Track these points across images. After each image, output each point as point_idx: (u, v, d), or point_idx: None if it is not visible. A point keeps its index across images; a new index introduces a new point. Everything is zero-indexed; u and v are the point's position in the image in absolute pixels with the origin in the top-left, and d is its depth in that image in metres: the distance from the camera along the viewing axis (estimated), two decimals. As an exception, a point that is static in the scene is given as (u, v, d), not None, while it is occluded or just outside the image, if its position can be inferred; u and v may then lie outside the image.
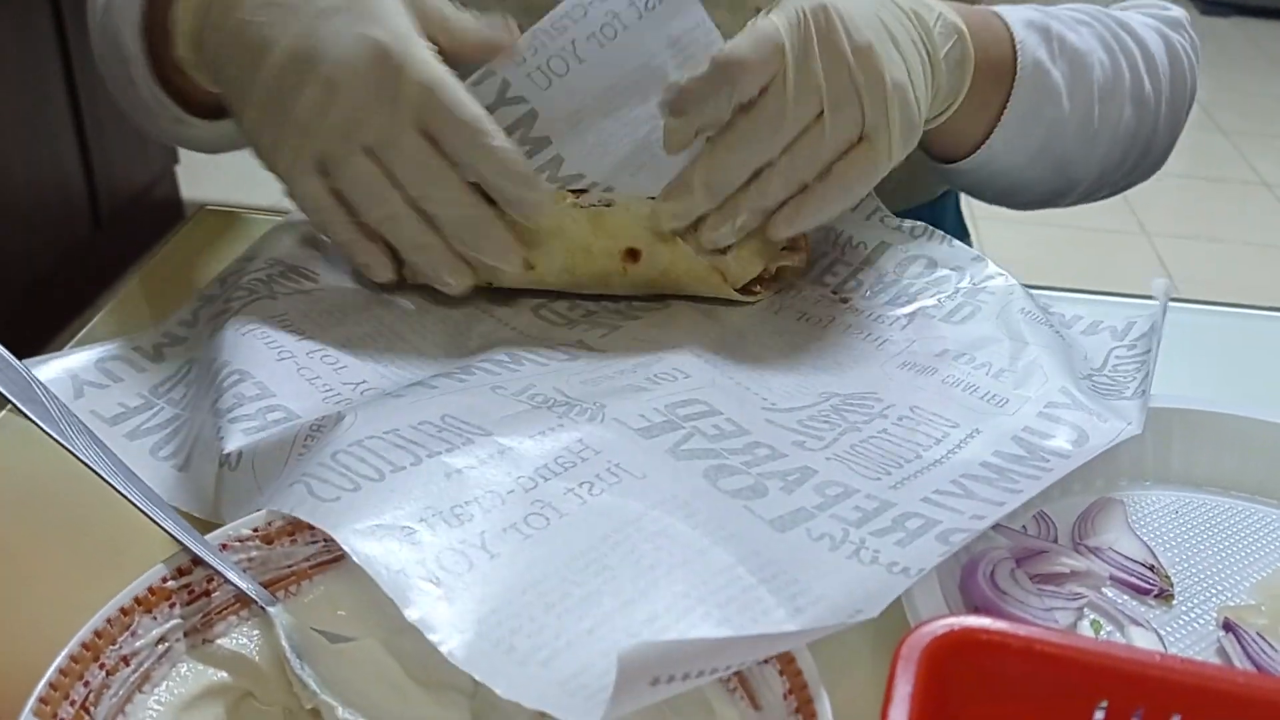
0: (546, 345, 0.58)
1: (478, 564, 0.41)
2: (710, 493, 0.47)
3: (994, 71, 0.64)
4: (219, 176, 2.18)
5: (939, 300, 0.62)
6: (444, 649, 0.37)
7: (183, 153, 2.29)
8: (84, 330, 0.65)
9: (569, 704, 0.36)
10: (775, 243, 0.60)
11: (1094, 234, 2.52)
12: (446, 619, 0.38)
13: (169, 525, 0.40)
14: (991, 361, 0.57)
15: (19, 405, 0.40)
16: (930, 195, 0.87)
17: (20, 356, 0.60)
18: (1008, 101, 0.65)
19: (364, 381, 0.55)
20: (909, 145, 0.58)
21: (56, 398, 0.41)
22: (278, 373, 0.54)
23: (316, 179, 0.55)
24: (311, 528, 0.43)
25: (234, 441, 0.49)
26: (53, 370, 0.58)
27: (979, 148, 0.66)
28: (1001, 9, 0.66)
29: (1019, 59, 0.64)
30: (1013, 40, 0.64)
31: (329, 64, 0.53)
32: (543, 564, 0.41)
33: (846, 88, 0.54)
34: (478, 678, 0.37)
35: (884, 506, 0.47)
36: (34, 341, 0.62)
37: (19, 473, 0.54)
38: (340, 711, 0.37)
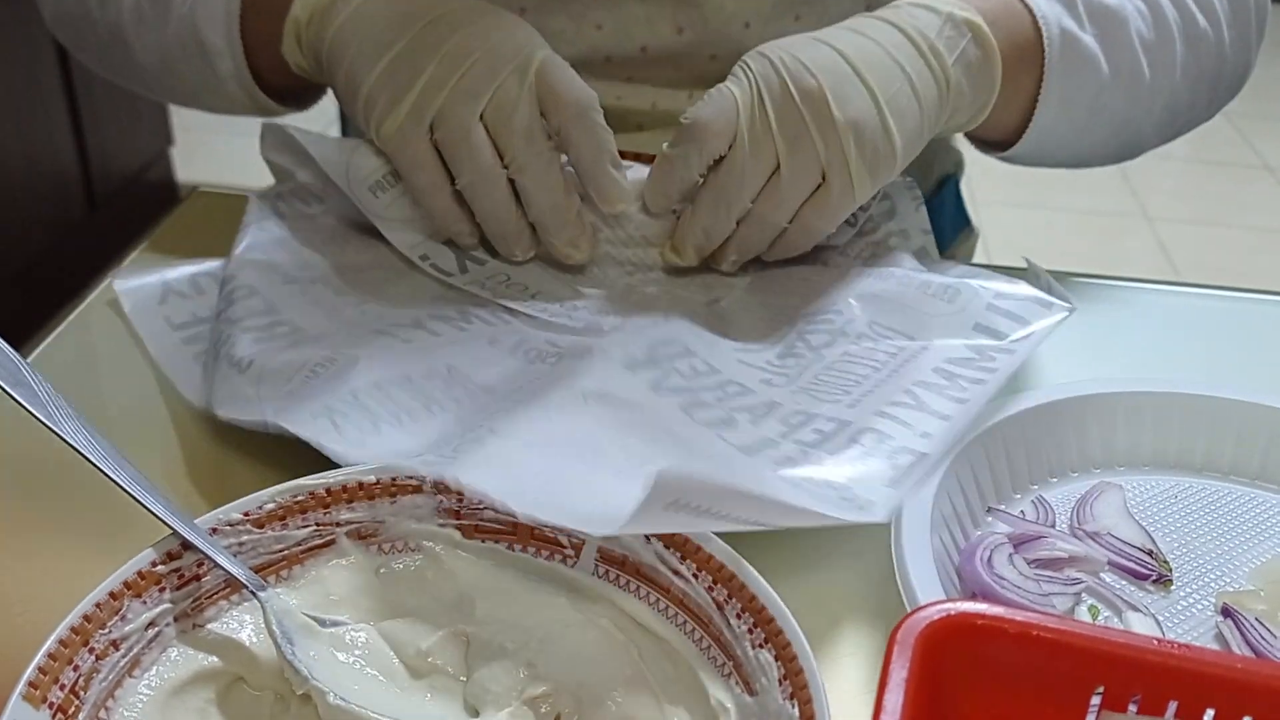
0: (542, 299, 0.61)
1: (487, 441, 0.46)
2: (688, 422, 0.51)
3: (1020, 54, 0.63)
4: (213, 158, 2.17)
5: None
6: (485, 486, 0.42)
7: (177, 135, 2.28)
8: (79, 309, 0.64)
9: (587, 519, 0.40)
10: None
11: (1095, 217, 2.51)
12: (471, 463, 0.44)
13: (158, 509, 0.40)
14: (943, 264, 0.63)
15: (7, 389, 0.40)
16: (925, 189, 0.86)
17: (15, 339, 0.60)
18: (1041, 81, 0.63)
19: (365, 301, 0.59)
20: (879, 175, 0.58)
21: (45, 382, 0.41)
22: (284, 293, 0.59)
23: (427, 138, 0.58)
24: (303, 511, 0.43)
25: (243, 349, 0.54)
26: (149, 277, 0.63)
27: (1024, 132, 0.65)
28: None
29: (1045, 33, 0.63)
30: (1033, 15, 0.63)
31: (466, 30, 0.58)
32: (552, 423, 0.48)
33: (799, 134, 0.57)
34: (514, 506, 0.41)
35: (841, 426, 0.51)
36: (28, 323, 0.62)
37: (9, 456, 0.53)
38: (331, 698, 0.37)
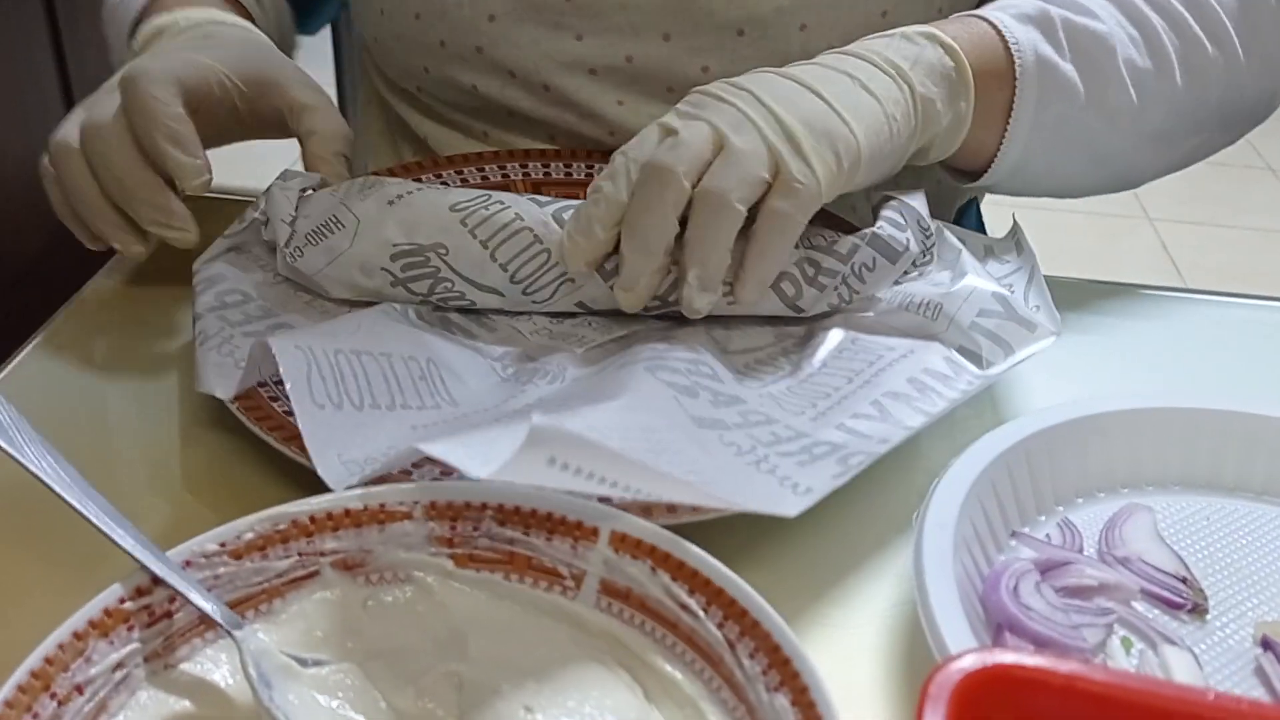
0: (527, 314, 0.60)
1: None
2: (647, 378, 0.51)
3: (994, 72, 0.61)
4: (210, 160, 2.15)
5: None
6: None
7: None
8: (53, 321, 0.62)
9: (469, 463, 0.40)
10: None
11: (1096, 219, 2.48)
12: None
13: (126, 542, 0.37)
14: (929, 274, 0.60)
15: (-39, 413, 0.37)
16: (947, 216, 0.83)
17: (13, 342, 0.58)
18: (1011, 108, 0.61)
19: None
20: (840, 153, 0.54)
21: (8, 405, 0.38)
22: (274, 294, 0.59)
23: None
24: (284, 541, 0.40)
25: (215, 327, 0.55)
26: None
27: (993, 160, 0.63)
28: (995, 6, 0.63)
29: (1017, 60, 0.61)
30: (1004, 39, 0.61)
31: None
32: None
33: (739, 121, 0.54)
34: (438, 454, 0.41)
35: (797, 436, 0.50)
36: (23, 325, 0.60)
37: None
38: (311, 747, 0.34)
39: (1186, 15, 0.65)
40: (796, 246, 0.56)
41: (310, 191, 0.60)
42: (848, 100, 0.56)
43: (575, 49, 0.69)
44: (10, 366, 0.58)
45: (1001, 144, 0.62)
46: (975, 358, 0.55)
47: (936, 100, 0.59)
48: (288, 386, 0.48)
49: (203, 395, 0.52)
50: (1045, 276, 0.62)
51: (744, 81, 0.56)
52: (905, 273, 0.60)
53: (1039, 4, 0.63)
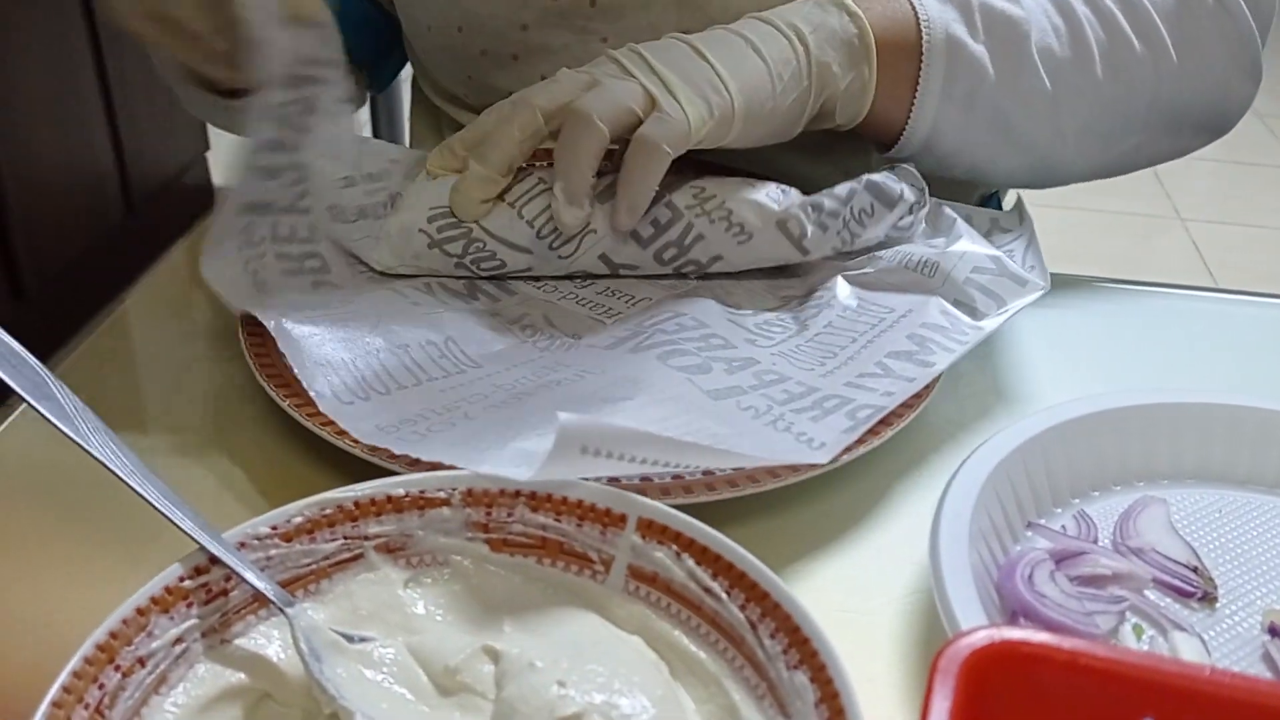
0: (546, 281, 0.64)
1: (459, 424, 0.51)
2: (660, 369, 0.55)
3: (902, 43, 0.64)
4: (248, 162, 2.18)
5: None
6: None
7: (213, 139, 2.30)
8: (113, 315, 0.64)
9: (512, 471, 0.43)
10: None
11: (1127, 219, 2.48)
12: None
13: (185, 524, 0.39)
14: (926, 239, 0.65)
15: (32, 403, 0.40)
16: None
17: (56, 341, 0.61)
18: (918, 82, 0.64)
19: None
20: (706, 92, 0.59)
21: (72, 395, 0.41)
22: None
23: None
24: (331, 525, 0.42)
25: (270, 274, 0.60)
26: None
27: (902, 132, 0.66)
28: None
29: (925, 35, 0.64)
30: (917, 17, 0.64)
31: None
32: (518, 404, 0.53)
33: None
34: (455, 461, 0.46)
35: (809, 391, 0.54)
36: (67, 326, 0.63)
37: (39, 467, 0.53)
38: (359, 717, 0.37)
39: (1117, 12, 0.67)
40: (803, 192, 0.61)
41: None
42: (730, 61, 0.60)
43: (601, 50, 0.71)
44: (71, 358, 0.60)
45: (909, 116, 0.65)
46: (970, 310, 0.59)
47: (833, 64, 0.62)
48: (312, 395, 0.52)
49: (255, 387, 0.55)
50: (1075, 276, 0.63)
51: (639, 45, 0.62)
52: (900, 226, 0.64)
53: None
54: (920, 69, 0.64)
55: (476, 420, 0.52)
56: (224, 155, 2.33)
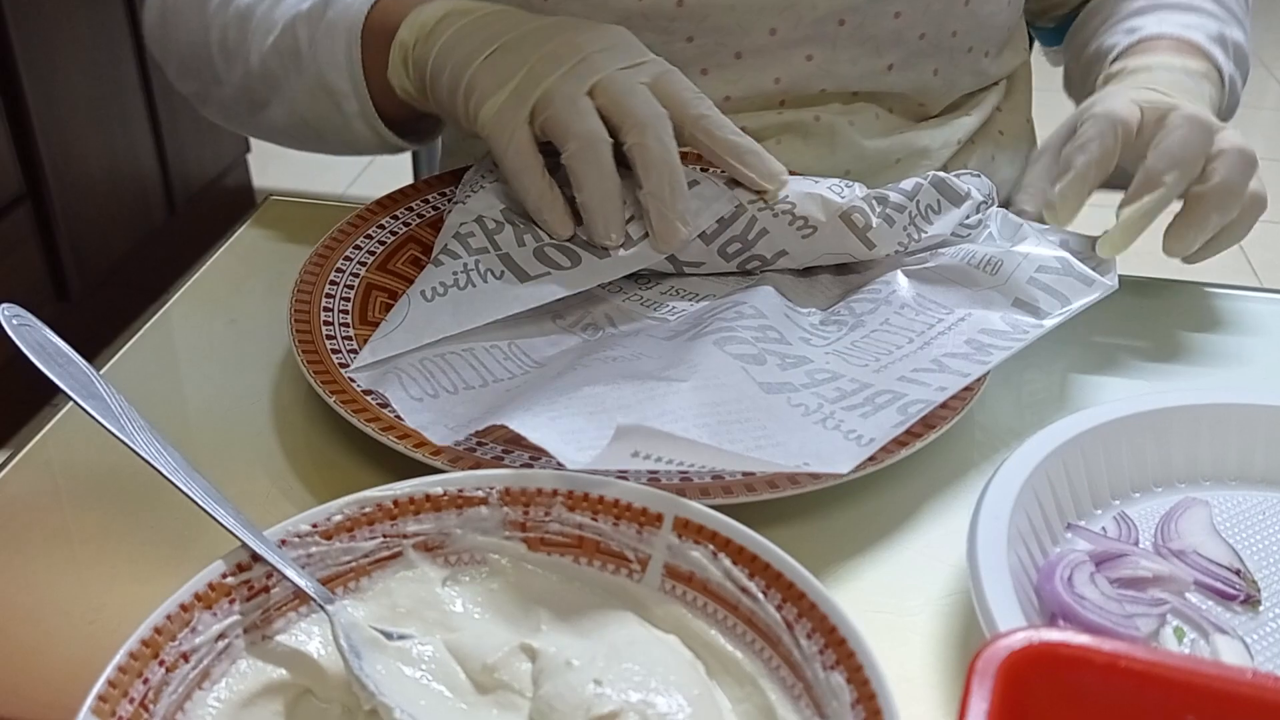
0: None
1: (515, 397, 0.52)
2: (715, 353, 0.54)
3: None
4: (289, 166, 2.20)
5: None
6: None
7: (254, 142, 2.32)
8: (157, 315, 0.65)
9: (565, 450, 0.45)
10: None
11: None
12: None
13: (228, 521, 0.40)
14: (988, 235, 0.64)
15: (79, 402, 0.40)
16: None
17: (101, 341, 0.62)
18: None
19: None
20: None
21: (118, 395, 0.41)
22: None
23: (526, 120, 0.58)
24: (370, 523, 0.43)
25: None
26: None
27: None
28: (1182, 28, 0.71)
29: (1225, 91, 0.71)
30: (1221, 75, 0.71)
31: (572, 33, 0.60)
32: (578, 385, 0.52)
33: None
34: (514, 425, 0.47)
35: (862, 388, 0.53)
36: (110, 327, 0.63)
37: (85, 465, 0.54)
38: (398, 714, 0.37)
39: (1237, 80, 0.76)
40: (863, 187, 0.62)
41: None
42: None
43: (686, 51, 0.71)
44: (117, 358, 0.61)
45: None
46: (1032, 310, 0.58)
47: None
48: (388, 396, 0.53)
49: (300, 386, 0.56)
50: (1122, 278, 0.63)
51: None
52: (967, 224, 0.63)
53: (1215, 23, 0.74)
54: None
55: (531, 390, 0.53)
56: (263, 159, 2.35)
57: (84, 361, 0.42)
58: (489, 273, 0.59)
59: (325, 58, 0.68)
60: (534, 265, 0.59)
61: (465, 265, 0.59)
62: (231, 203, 2.28)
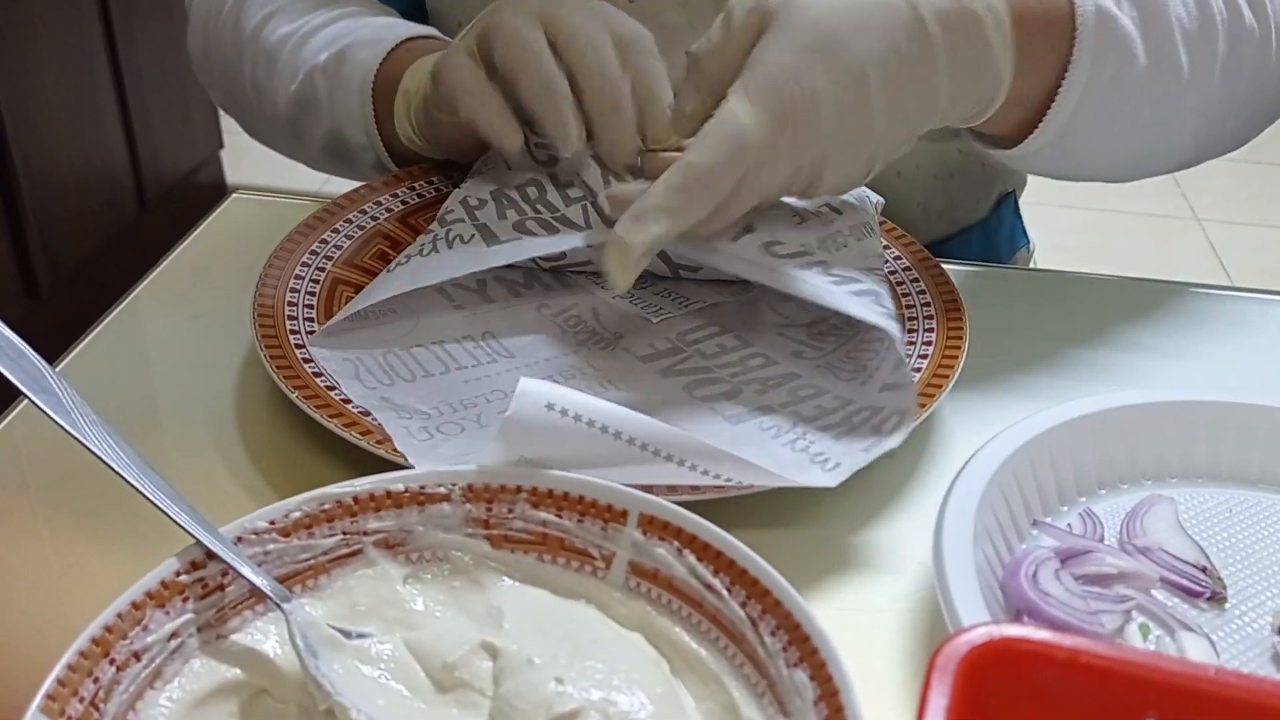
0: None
1: (468, 427, 0.52)
2: (682, 399, 0.54)
3: (1046, 28, 0.56)
4: (262, 161, 2.18)
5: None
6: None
7: (227, 137, 2.30)
8: (118, 310, 0.64)
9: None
10: None
11: (1143, 219, 2.46)
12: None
13: (181, 518, 0.39)
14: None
15: (30, 396, 0.40)
16: (978, 214, 0.82)
17: (69, 339, 0.61)
18: (1069, 61, 0.56)
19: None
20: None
21: (70, 388, 0.41)
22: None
23: (472, 51, 0.58)
24: (330, 520, 0.42)
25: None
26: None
27: (1039, 123, 0.58)
28: None
29: (1078, 7, 0.56)
30: None
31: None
32: None
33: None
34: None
35: (843, 404, 0.53)
36: (81, 324, 0.63)
37: (38, 461, 0.53)
38: (354, 713, 0.36)
39: None
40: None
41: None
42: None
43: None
44: (73, 354, 0.61)
45: (1053, 101, 0.57)
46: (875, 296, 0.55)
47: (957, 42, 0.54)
48: (339, 383, 0.53)
49: (264, 383, 0.56)
50: (1093, 276, 0.62)
51: None
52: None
53: None
54: (1071, 52, 0.56)
55: (488, 427, 0.52)
56: (237, 154, 2.33)
57: (37, 355, 0.41)
58: (458, 239, 0.58)
59: (342, 113, 0.69)
60: (509, 233, 0.59)
61: (435, 237, 0.59)
62: (204, 199, 2.26)
